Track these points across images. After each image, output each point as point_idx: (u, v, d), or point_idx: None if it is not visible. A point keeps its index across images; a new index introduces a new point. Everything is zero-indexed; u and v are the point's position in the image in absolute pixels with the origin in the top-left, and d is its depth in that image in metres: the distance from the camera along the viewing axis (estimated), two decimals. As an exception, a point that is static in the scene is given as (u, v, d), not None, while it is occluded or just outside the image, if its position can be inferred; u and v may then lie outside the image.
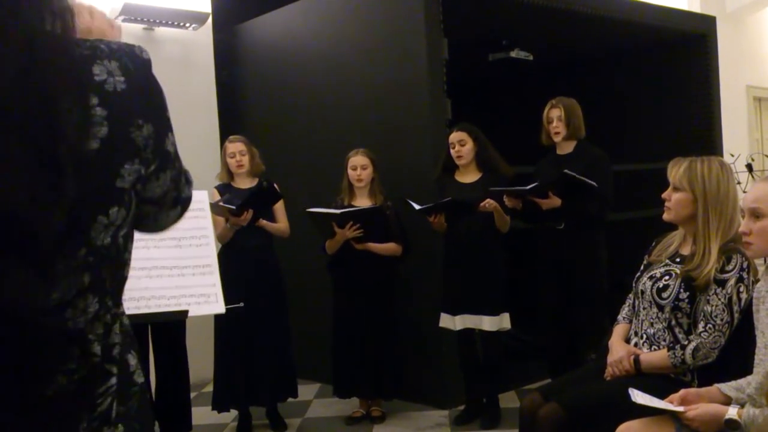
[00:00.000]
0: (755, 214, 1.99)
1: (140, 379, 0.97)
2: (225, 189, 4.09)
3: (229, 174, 4.12)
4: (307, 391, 4.73)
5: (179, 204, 1.08)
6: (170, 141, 1.00)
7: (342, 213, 3.85)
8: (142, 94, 0.92)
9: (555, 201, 3.78)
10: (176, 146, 1.03)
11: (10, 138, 0.76)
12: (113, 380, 0.90)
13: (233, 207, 3.82)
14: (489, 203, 3.71)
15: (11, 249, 0.75)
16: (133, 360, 0.96)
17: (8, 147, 0.75)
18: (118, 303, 0.95)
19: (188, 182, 1.09)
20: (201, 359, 4.35)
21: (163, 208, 1.05)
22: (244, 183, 4.09)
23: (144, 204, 0.99)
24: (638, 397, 2.14)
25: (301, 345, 4.43)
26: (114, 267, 0.92)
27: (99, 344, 0.89)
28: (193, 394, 4.25)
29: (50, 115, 0.79)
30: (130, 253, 0.96)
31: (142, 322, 3.04)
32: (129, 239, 0.95)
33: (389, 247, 3.98)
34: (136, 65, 0.93)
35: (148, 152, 0.94)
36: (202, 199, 3.14)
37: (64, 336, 0.84)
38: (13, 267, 0.76)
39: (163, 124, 0.97)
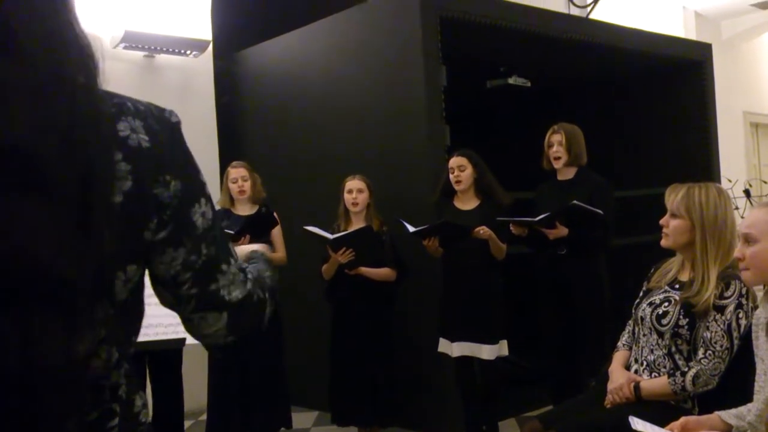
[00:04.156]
0: (748, 240, 2.00)
1: (145, 419, 0.97)
2: (224, 214, 4.10)
3: (230, 199, 4.12)
4: (304, 419, 4.69)
5: (223, 308, 0.96)
6: (199, 212, 0.93)
7: (334, 238, 3.85)
8: (168, 152, 0.91)
9: (562, 231, 3.77)
10: (218, 229, 0.94)
11: (50, 193, 0.76)
12: (116, 420, 0.91)
13: (232, 232, 3.82)
14: (483, 230, 3.71)
15: (48, 303, 0.76)
16: (139, 401, 0.96)
17: (48, 203, 0.76)
18: (129, 352, 0.96)
19: (248, 281, 0.97)
20: (197, 387, 4.32)
21: (184, 302, 0.95)
22: (244, 209, 4.09)
23: (157, 284, 0.94)
24: (638, 424, 2.12)
25: (298, 372, 4.40)
26: (133, 320, 0.94)
27: (109, 390, 0.91)
28: (188, 423, 4.22)
29: (85, 169, 0.79)
30: (143, 303, 0.96)
31: (140, 350, 3.03)
32: (142, 290, 0.95)
33: (383, 273, 3.97)
34: (162, 127, 0.92)
35: (167, 213, 0.90)
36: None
37: (83, 386, 0.85)
38: (49, 321, 0.76)
39: (193, 187, 0.93)
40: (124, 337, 0.93)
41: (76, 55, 0.82)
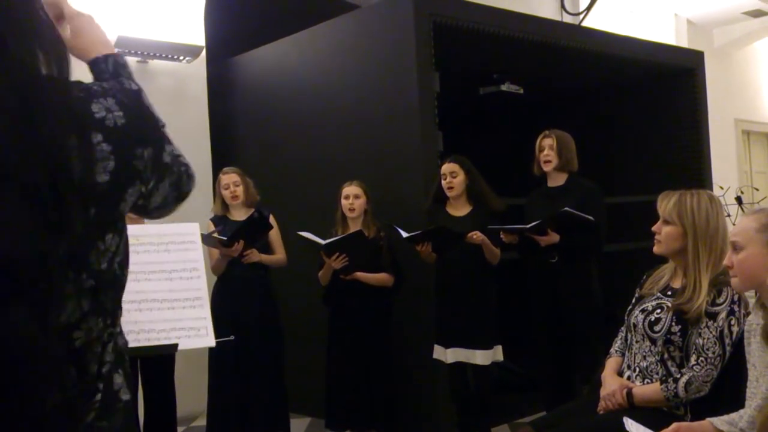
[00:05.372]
0: (735, 247, 2.04)
1: (125, 396, 0.99)
2: (220, 221, 4.09)
3: (224, 205, 4.11)
4: (298, 425, 4.67)
5: (180, 200, 1.10)
6: (167, 152, 1.01)
7: (326, 243, 3.85)
8: (141, 124, 0.96)
9: (554, 237, 3.77)
10: (174, 151, 1.03)
11: (8, 183, 0.77)
12: (98, 396, 0.93)
13: (224, 238, 3.81)
14: (477, 235, 3.71)
15: (18, 278, 0.78)
16: (119, 378, 0.98)
17: (8, 192, 0.77)
18: (116, 323, 0.99)
19: (189, 177, 1.08)
20: (190, 393, 4.30)
21: (167, 207, 1.07)
22: (239, 214, 4.08)
23: (150, 212, 1.01)
24: (632, 426, 2.13)
25: (292, 377, 4.39)
26: (113, 290, 0.96)
27: (95, 364, 0.92)
28: (181, 429, 4.20)
29: (51, 156, 0.81)
30: (126, 276, 0.99)
31: (132, 356, 3.01)
32: (125, 265, 0.99)
33: (379, 278, 3.96)
34: (130, 98, 0.96)
35: (147, 172, 0.96)
36: (193, 231, 3.13)
37: (67, 357, 0.88)
38: (20, 295, 0.78)
39: (160, 142, 1.00)
40: (109, 308, 0.95)
41: (45, 46, 0.85)
